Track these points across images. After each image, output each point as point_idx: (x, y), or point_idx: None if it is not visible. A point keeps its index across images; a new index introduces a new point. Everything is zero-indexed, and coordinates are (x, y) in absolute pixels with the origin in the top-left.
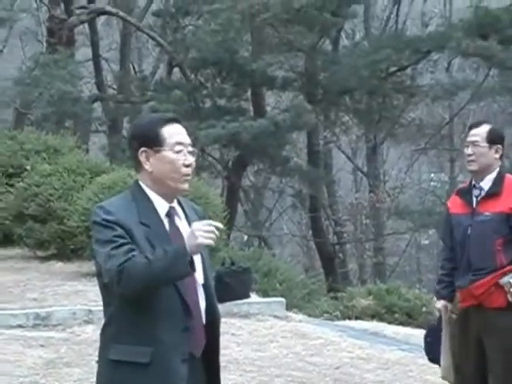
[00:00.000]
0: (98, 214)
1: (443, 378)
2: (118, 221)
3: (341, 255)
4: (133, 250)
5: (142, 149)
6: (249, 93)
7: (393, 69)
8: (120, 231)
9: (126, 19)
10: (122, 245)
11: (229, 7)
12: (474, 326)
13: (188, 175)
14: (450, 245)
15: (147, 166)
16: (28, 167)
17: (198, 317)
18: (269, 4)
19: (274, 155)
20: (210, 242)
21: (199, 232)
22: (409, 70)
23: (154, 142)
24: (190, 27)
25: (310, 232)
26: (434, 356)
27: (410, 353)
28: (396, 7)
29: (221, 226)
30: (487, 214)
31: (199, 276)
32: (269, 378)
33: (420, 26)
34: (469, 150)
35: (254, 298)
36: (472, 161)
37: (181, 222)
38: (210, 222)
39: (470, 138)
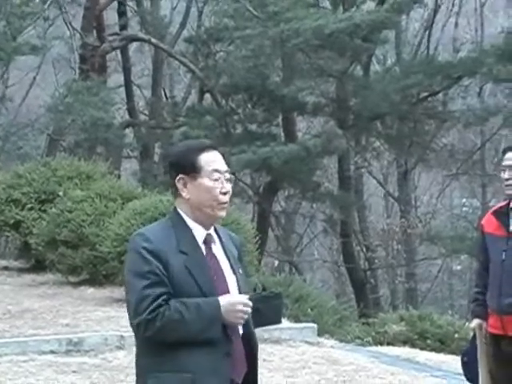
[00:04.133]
0: (136, 242)
1: None
2: (157, 250)
3: (372, 281)
4: (164, 294)
5: (180, 176)
6: (280, 118)
7: (424, 94)
8: (155, 265)
9: (158, 46)
10: (154, 285)
11: (260, 33)
12: (506, 351)
13: (225, 203)
14: (483, 263)
15: (184, 194)
16: (60, 193)
17: (238, 343)
18: (300, 30)
19: (305, 180)
20: (240, 322)
21: (238, 313)
22: (440, 96)
23: (191, 169)
24: (222, 53)
25: (341, 257)
26: (471, 376)
27: (442, 379)
28: (427, 32)
29: (248, 310)
30: None
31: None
32: None
33: (451, 51)
34: (506, 175)
35: (285, 323)
36: (510, 185)
37: (217, 249)
38: (248, 303)
39: (505, 162)
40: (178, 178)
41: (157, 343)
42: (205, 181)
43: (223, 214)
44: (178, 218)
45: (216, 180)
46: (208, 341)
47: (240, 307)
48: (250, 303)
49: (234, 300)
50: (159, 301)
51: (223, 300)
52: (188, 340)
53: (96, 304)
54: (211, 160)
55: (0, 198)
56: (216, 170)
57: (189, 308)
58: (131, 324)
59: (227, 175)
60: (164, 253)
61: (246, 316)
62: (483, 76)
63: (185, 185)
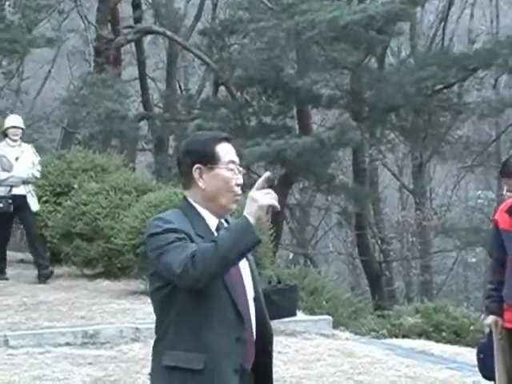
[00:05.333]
0: (157, 226)
1: None
2: (179, 228)
3: (387, 273)
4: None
5: (197, 165)
6: (294, 110)
7: (439, 86)
8: (182, 235)
9: (173, 38)
10: (186, 242)
11: (274, 25)
12: None
13: (239, 194)
14: (498, 259)
15: (200, 183)
16: (75, 186)
17: (250, 330)
18: (314, 22)
19: (320, 173)
20: (273, 202)
21: (259, 195)
22: (455, 88)
23: (209, 159)
24: (236, 46)
25: (356, 250)
26: (487, 373)
27: (458, 371)
28: (442, 24)
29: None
30: None
31: (250, 290)
32: None
33: (466, 43)
34: None
35: (300, 315)
36: None
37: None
38: (268, 189)
39: None
40: (195, 167)
41: (177, 322)
42: (222, 171)
43: (235, 206)
44: (190, 207)
45: (232, 171)
46: (222, 322)
47: (256, 192)
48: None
49: (254, 190)
50: (195, 247)
51: (246, 209)
52: (229, 261)
53: (111, 296)
54: (228, 151)
55: None
56: (232, 162)
57: (217, 237)
58: (159, 292)
59: (239, 167)
60: (186, 231)
61: (274, 196)
62: (498, 67)
63: (201, 174)
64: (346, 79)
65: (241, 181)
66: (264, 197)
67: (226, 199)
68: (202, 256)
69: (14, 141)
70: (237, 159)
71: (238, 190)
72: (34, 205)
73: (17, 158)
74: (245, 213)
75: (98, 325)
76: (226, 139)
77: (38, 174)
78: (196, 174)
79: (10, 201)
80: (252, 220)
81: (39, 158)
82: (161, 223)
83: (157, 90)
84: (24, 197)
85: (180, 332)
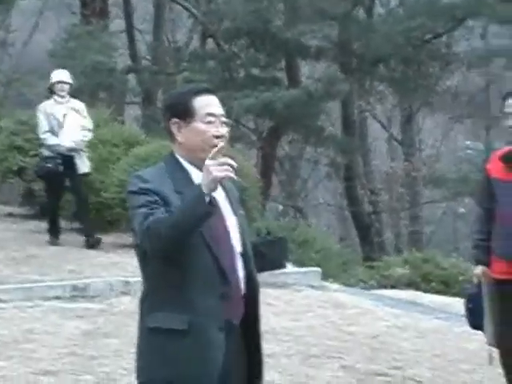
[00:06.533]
0: (134, 184)
1: (489, 344)
2: (154, 188)
3: (377, 224)
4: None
5: (174, 120)
6: (283, 63)
7: (428, 36)
8: (154, 198)
9: None
10: (155, 208)
11: None
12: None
13: (218, 147)
14: (488, 209)
15: (179, 137)
16: None
17: (236, 285)
18: None
19: (309, 125)
20: (226, 174)
21: (213, 167)
22: (444, 38)
23: (185, 113)
24: None
25: (346, 201)
26: (476, 323)
27: (446, 321)
28: None
29: (233, 163)
30: None
31: (237, 245)
32: (306, 348)
33: None
34: (510, 122)
35: (290, 268)
36: None
37: (216, 191)
38: (222, 147)
39: (508, 109)
40: (172, 121)
41: (159, 283)
42: (198, 124)
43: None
44: (174, 161)
45: (210, 123)
46: (204, 280)
47: (220, 161)
48: (229, 160)
49: (206, 164)
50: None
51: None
52: (182, 232)
53: (100, 250)
54: (205, 104)
55: (3, 144)
56: (210, 114)
57: (175, 206)
58: (138, 250)
59: (223, 119)
60: (162, 191)
61: (229, 168)
62: (487, 17)
63: (179, 129)
64: (334, 30)
65: (220, 132)
66: (218, 169)
67: (204, 152)
68: (157, 226)
69: (62, 97)
70: (218, 111)
71: (217, 141)
72: (82, 166)
73: (65, 115)
74: (200, 182)
75: (88, 278)
76: (207, 91)
77: (87, 138)
78: (174, 129)
79: (59, 161)
80: (205, 190)
81: (88, 119)
82: (138, 181)
83: (144, 42)
84: (71, 157)
85: (160, 292)
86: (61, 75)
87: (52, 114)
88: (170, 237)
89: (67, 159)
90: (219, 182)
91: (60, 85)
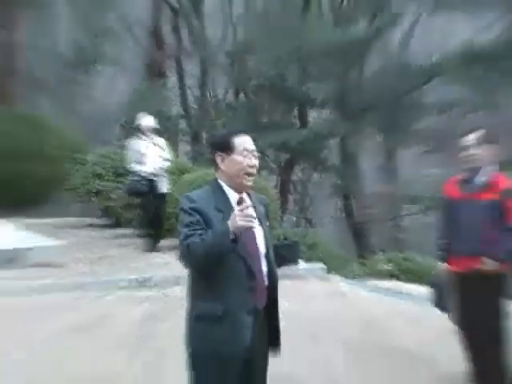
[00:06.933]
0: (184, 203)
1: (452, 321)
2: (198, 208)
3: (367, 232)
4: (202, 235)
5: (218, 153)
6: (296, 110)
7: (405, 89)
8: (197, 218)
9: (204, 58)
10: (195, 229)
11: (280, 45)
12: (469, 282)
13: (251, 174)
14: (447, 220)
15: (222, 166)
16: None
17: (261, 279)
18: (309, 43)
19: (315, 157)
20: (248, 224)
21: (239, 217)
22: (418, 91)
23: (227, 148)
24: (251, 62)
25: (344, 215)
26: (442, 306)
27: (421, 306)
28: (405, 43)
29: (254, 214)
30: (482, 201)
31: (262, 247)
32: (312, 328)
33: (425, 56)
34: (463, 154)
35: (301, 264)
36: (470, 160)
37: (248, 208)
38: (248, 205)
39: (466, 143)
40: (217, 154)
41: (200, 279)
42: (236, 157)
43: (250, 183)
44: (217, 184)
45: (245, 156)
46: (236, 277)
47: (239, 213)
48: (250, 211)
49: (234, 214)
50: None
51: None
52: (210, 257)
53: (159, 252)
54: (242, 141)
55: (87, 172)
56: (245, 149)
57: (208, 235)
58: (182, 263)
59: (255, 153)
60: (204, 210)
61: (250, 219)
62: (450, 77)
63: (222, 160)
64: (334, 86)
65: (253, 163)
66: (243, 219)
67: (240, 178)
68: (192, 248)
69: (147, 136)
70: (251, 147)
71: (251, 170)
72: (161, 187)
73: (147, 147)
74: (228, 222)
75: (148, 273)
76: (242, 133)
77: (165, 166)
78: (218, 160)
79: (144, 183)
80: (231, 229)
81: (167, 151)
82: (186, 201)
83: (192, 95)
84: (153, 181)
85: (200, 285)
86: (150, 121)
87: (137, 149)
88: (200, 262)
89: (150, 182)
90: (242, 228)
91: (148, 127)
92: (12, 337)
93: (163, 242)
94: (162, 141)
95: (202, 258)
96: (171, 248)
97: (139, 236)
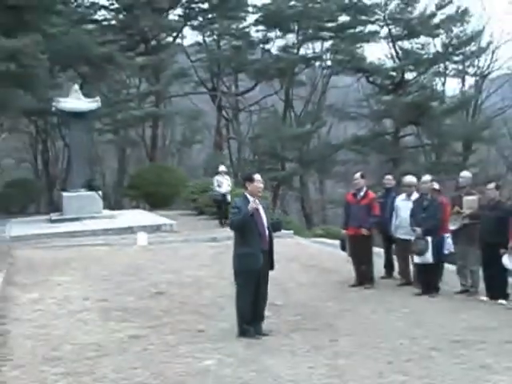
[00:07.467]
0: (234, 203)
1: (348, 256)
2: (239, 206)
3: (310, 215)
4: (237, 215)
5: (246, 182)
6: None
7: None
8: (237, 210)
9: (241, 144)
10: (235, 213)
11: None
12: (354, 239)
13: (260, 191)
14: (347, 212)
15: (248, 187)
16: (212, 186)
17: (265, 237)
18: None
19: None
20: (254, 208)
21: (252, 206)
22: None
23: (250, 180)
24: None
25: (301, 207)
26: (344, 249)
27: (338, 249)
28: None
29: (259, 206)
30: (361, 204)
31: (265, 222)
32: (286, 258)
33: None
34: (357, 181)
35: (282, 231)
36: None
37: (258, 205)
38: (257, 202)
39: (354, 178)
40: (246, 182)
41: (238, 235)
42: (255, 183)
43: (260, 195)
44: (244, 195)
45: (258, 183)
46: (254, 235)
47: (251, 204)
48: (256, 205)
49: (250, 205)
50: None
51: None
52: (241, 223)
53: (214, 227)
54: (256, 177)
55: (192, 192)
56: (258, 180)
57: (240, 214)
58: (231, 228)
59: (262, 182)
60: (240, 206)
61: (255, 206)
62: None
63: (248, 185)
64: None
65: (262, 187)
66: (253, 207)
67: (256, 193)
68: (234, 221)
69: (222, 175)
70: (260, 179)
71: (260, 189)
72: (227, 198)
73: (222, 178)
74: (248, 207)
75: (216, 234)
76: (257, 173)
77: (230, 188)
78: (247, 185)
79: (219, 197)
80: (249, 210)
81: (230, 182)
82: (234, 203)
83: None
84: (224, 195)
85: (239, 239)
86: (223, 168)
87: (218, 179)
88: (237, 225)
89: (222, 195)
90: (253, 210)
91: (222, 170)
92: (176, 257)
93: (215, 221)
94: (227, 177)
95: (238, 225)
96: (228, 225)
97: (216, 219)
